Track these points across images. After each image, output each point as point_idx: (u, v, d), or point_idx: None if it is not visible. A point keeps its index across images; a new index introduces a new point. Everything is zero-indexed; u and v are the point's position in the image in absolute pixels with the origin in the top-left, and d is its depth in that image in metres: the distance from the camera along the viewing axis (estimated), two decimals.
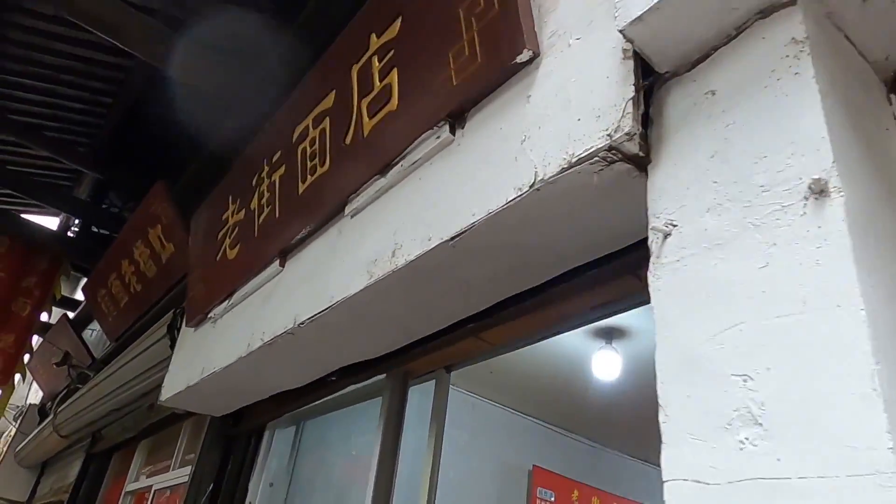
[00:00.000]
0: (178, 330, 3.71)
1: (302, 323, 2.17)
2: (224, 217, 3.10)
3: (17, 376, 6.81)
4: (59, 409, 6.32)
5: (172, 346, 3.70)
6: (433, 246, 1.63)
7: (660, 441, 1.02)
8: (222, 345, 2.84)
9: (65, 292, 7.98)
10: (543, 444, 4.97)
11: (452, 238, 1.57)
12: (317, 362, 2.57)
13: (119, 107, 6.42)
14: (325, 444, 3.45)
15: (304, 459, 3.45)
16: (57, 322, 7.31)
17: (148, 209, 4.77)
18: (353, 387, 2.71)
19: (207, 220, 3.37)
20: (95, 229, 7.44)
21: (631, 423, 4.35)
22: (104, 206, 7.18)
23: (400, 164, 1.89)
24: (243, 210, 2.90)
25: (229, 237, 3.00)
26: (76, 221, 7.39)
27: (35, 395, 9.51)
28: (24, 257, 6.75)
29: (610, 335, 3.76)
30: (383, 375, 2.65)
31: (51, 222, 7.65)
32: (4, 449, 9.32)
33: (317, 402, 2.99)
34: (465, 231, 1.53)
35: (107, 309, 5.87)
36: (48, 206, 6.68)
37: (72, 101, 6.64)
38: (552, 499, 4.88)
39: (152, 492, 4.82)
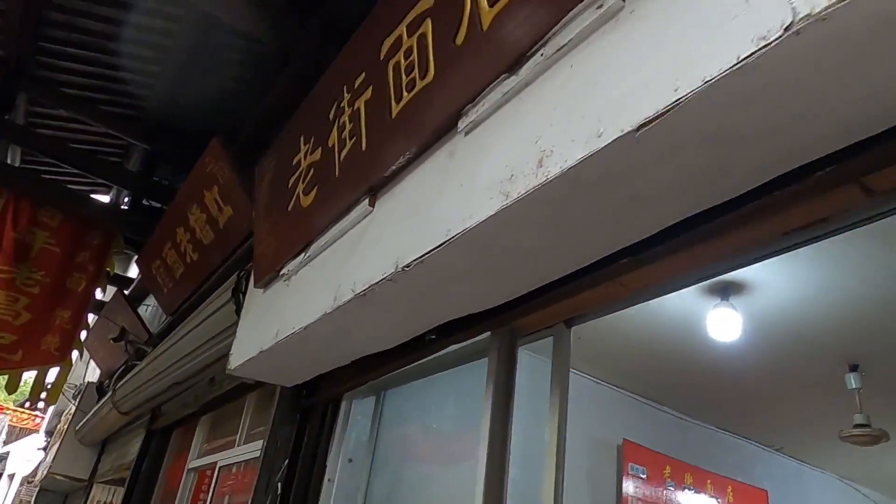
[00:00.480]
0: (244, 294, 3.40)
1: (407, 265, 1.80)
2: (295, 161, 2.74)
3: (75, 353, 6.69)
4: (118, 386, 6.17)
5: (238, 312, 3.40)
6: (606, 143, 1.22)
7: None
8: (300, 303, 2.50)
9: (117, 270, 7.85)
10: (633, 417, 4.56)
11: (640, 127, 1.16)
12: (414, 317, 2.20)
13: (166, 75, 6.17)
14: (409, 417, 3.11)
15: (387, 433, 3.11)
16: (112, 298, 7.17)
17: (203, 170, 4.47)
18: (453, 347, 2.34)
19: (275, 168, 3.02)
20: (147, 202, 7.26)
21: (740, 392, 3.92)
22: (155, 179, 6.98)
23: (539, 54, 1.48)
24: (319, 149, 2.53)
25: (303, 182, 2.64)
26: (127, 196, 7.20)
27: (93, 374, 9.49)
28: (77, 232, 6.58)
29: (726, 291, 3.30)
30: (487, 334, 2.27)
31: (102, 197, 7.49)
32: (65, 427, 9.35)
33: (406, 368, 2.63)
34: (665, 113, 1.12)
35: (162, 281, 5.65)
36: (98, 179, 6.48)
37: (118, 70, 6.43)
38: (644, 475, 4.48)
39: (217, 468, 4.59)
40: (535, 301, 2.07)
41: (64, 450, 8.65)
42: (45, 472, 8.73)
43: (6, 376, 6.14)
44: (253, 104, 5.04)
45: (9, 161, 6.55)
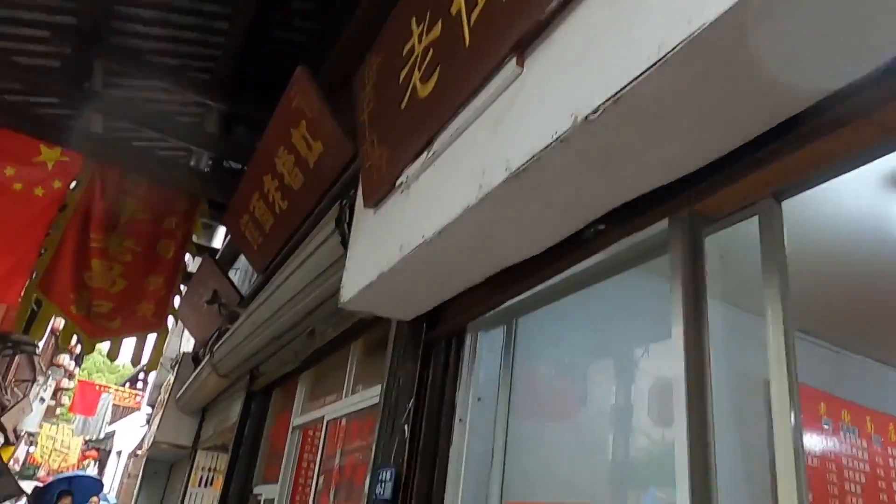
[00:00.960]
0: (349, 225, 3.07)
1: (595, 111, 1.37)
2: (407, 48, 2.34)
3: (171, 320, 6.66)
4: (216, 348, 6.07)
5: (345, 244, 3.08)
6: None
7: None
8: (428, 208, 2.13)
9: (202, 241, 7.79)
10: None
11: None
12: (581, 201, 1.78)
13: (236, 31, 5.94)
14: (545, 349, 2.72)
15: (521, 369, 2.72)
16: (202, 263, 7.10)
17: (289, 106, 4.16)
18: (622, 243, 1.91)
19: (379, 68, 2.64)
20: (227, 164, 7.12)
21: None
22: (234, 140, 6.82)
23: None
24: (438, 22, 2.12)
25: (419, 70, 2.24)
26: (208, 158, 7.07)
27: (187, 344, 9.61)
28: (163, 198, 6.49)
29: None
30: (664, 223, 1.83)
31: (183, 161, 7.39)
32: (166, 398, 9.52)
33: (551, 283, 2.23)
34: None
35: (251, 237, 5.44)
36: (179, 142, 6.34)
37: (187, 29, 6.24)
38: None
39: (324, 423, 4.36)
40: (730, 171, 1.62)
41: (166, 419, 8.79)
42: (150, 442, 8.91)
43: (107, 344, 6.14)
44: (328, 43, 4.71)
45: (91, 129, 6.50)
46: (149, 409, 26.90)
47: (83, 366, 22.47)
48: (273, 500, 5.00)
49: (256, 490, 5.68)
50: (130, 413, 30.48)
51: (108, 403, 26.44)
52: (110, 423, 31.79)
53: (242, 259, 8.22)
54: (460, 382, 2.77)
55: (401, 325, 3.00)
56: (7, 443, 14.84)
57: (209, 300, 6.04)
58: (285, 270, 3.93)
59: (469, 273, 2.35)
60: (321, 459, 4.27)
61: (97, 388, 21.71)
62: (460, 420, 2.72)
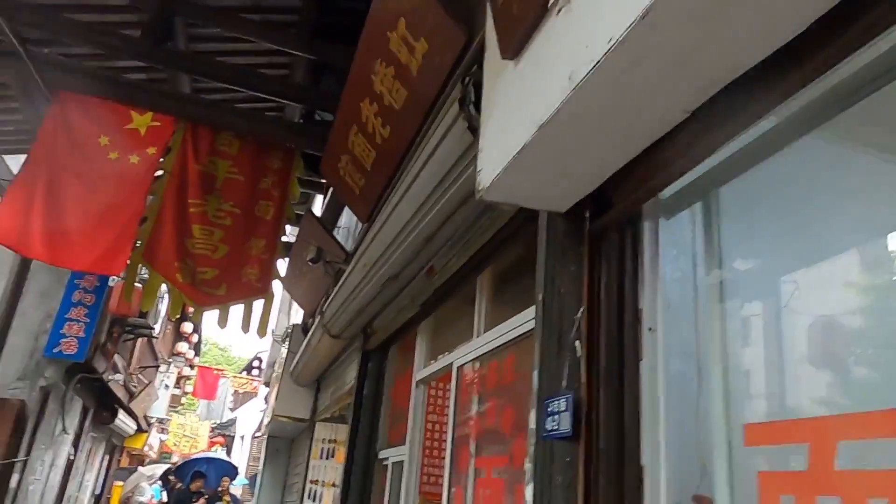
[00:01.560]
0: (476, 104, 2.45)
1: None
2: None
3: (276, 284, 6.36)
4: (325, 307, 5.69)
5: (472, 129, 2.47)
6: None
7: None
8: (602, 14, 1.47)
9: (299, 211, 7.45)
10: None
11: None
12: None
13: None
14: (772, 227, 1.99)
15: (729, 260, 2.01)
16: (302, 221, 6.75)
17: (382, 6, 3.60)
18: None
19: None
20: (319, 117, 6.72)
21: None
22: (323, 90, 6.39)
23: None
24: None
25: None
26: (299, 111, 6.69)
27: (296, 316, 9.42)
28: (256, 157, 6.17)
29: None
30: None
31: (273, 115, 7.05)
32: (280, 372, 9.41)
33: (781, 119, 1.51)
34: None
35: (352, 181, 4.96)
36: (268, 96, 5.96)
37: None
38: None
39: (454, 370, 3.82)
40: None
41: (283, 393, 8.64)
42: (269, 418, 8.81)
43: (215, 312, 5.92)
44: None
45: (179, 91, 6.25)
46: (265, 395, 27.97)
47: (202, 359, 23.42)
48: (402, 462, 4.54)
49: (382, 455, 5.27)
50: (249, 400, 31.82)
51: (228, 390, 27.57)
52: (232, 409, 33.31)
53: (343, 219, 7.85)
54: (642, 283, 2.11)
55: (554, 221, 2.37)
56: (140, 430, 15.54)
57: (313, 258, 5.65)
58: (397, 191, 3.38)
59: (661, 110, 1.67)
60: (454, 411, 3.73)
61: (215, 372, 22.53)
62: (650, 329, 2.05)
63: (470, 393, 3.61)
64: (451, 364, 3.85)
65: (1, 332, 7.35)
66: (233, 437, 31.38)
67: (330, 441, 8.35)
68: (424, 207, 3.17)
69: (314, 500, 8.15)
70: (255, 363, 30.38)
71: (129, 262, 5.49)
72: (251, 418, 29.31)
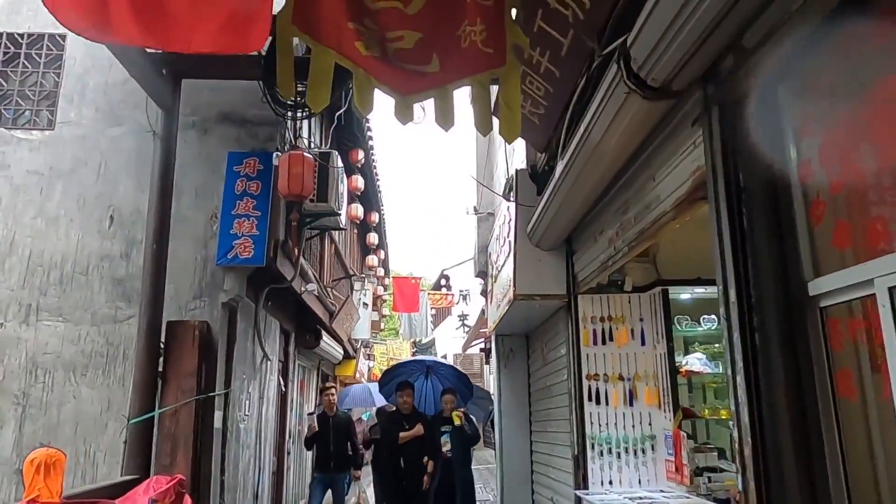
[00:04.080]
0: None
1: None
2: None
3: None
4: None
5: None
6: None
7: None
8: None
9: None
10: None
11: None
12: None
13: None
14: None
15: None
16: None
17: None
18: None
19: None
20: None
21: None
22: None
23: None
24: None
25: None
26: None
27: (516, 161, 6.85)
28: None
29: None
30: None
31: None
32: (513, 241, 6.97)
33: None
34: None
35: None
36: None
37: None
38: None
39: None
40: None
41: (522, 266, 6.19)
42: (510, 298, 6.43)
43: (430, 99, 3.44)
44: None
45: None
46: (461, 314, 26.56)
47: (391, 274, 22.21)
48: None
49: (819, 288, 2.53)
50: (444, 319, 30.90)
51: (427, 304, 26.52)
52: (433, 326, 32.74)
53: None
54: None
55: None
56: (347, 355, 14.35)
57: None
58: None
59: None
60: None
61: (413, 281, 21.08)
62: None
63: None
64: None
65: (160, 244, 5.51)
66: (434, 355, 30.87)
67: (603, 319, 5.83)
68: None
69: (597, 401, 5.74)
70: (443, 281, 29.10)
71: (271, 33, 3.13)
72: (449, 337, 28.34)
